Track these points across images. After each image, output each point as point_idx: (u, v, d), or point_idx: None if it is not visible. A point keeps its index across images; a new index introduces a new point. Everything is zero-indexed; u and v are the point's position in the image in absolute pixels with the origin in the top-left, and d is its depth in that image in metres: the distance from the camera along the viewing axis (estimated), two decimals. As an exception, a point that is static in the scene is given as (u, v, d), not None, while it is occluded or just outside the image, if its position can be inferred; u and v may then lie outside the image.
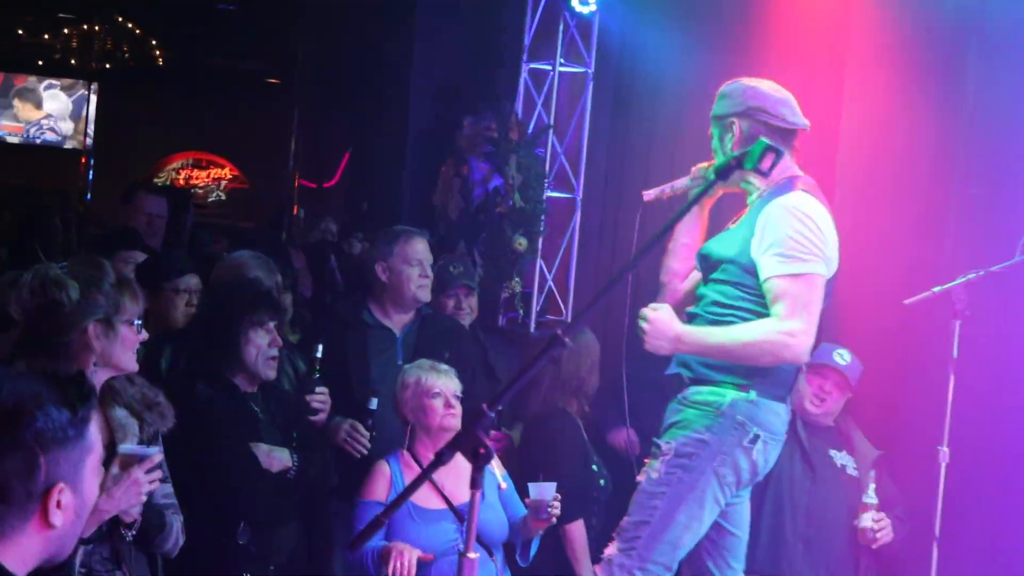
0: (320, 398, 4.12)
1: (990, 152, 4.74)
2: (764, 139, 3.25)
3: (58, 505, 1.79)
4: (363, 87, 10.12)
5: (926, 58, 4.91)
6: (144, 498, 2.96)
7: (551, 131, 6.21)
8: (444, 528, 3.79)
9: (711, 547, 3.65)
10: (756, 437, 3.43)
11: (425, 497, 3.81)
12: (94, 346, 2.96)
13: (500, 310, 6.07)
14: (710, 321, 3.49)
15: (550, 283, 6.19)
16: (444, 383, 3.98)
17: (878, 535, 4.29)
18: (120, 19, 12.57)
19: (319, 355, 4.12)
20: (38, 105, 15.07)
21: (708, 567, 3.66)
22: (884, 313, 4.67)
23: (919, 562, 4.27)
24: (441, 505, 3.82)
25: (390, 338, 4.54)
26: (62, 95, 15.08)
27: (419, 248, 4.58)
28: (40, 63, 14.46)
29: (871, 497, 4.31)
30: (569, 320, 5.99)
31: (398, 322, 4.58)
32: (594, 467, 4.76)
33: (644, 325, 3.42)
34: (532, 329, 5.98)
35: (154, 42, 13.12)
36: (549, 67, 6.31)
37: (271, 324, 3.83)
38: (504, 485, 4.01)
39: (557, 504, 3.88)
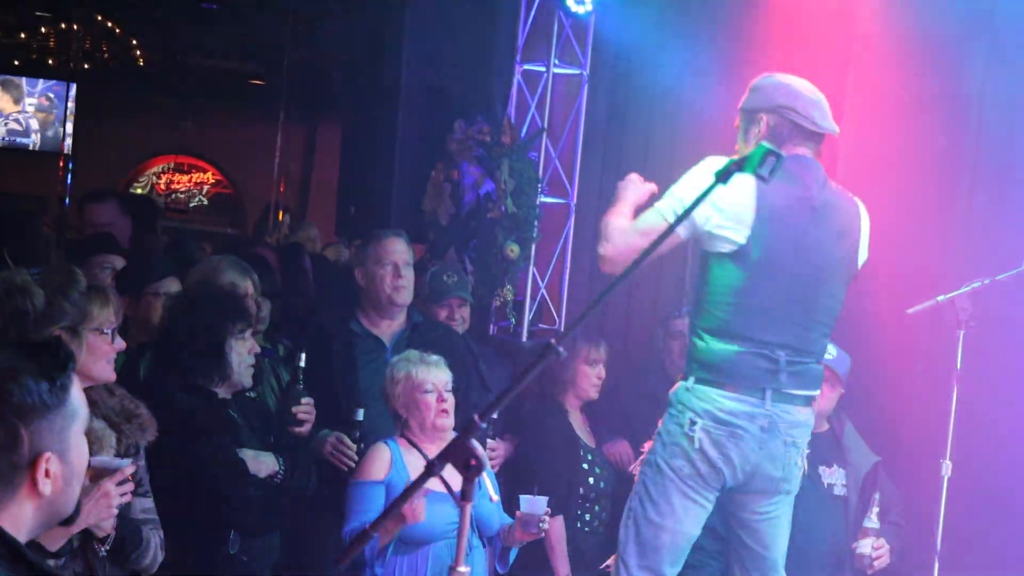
0: (305, 409, 4.07)
1: (997, 158, 4.71)
2: (765, 143, 3.15)
3: (47, 474, 1.84)
4: (351, 88, 9.99)
5: (932, 62, 4.88)
6: (115, 511, 2.93)
7: (545, 134, 6.09)
8: (445, 510, 3.74)
9: (736, 559, 3.68)
10: (692, 423, 3.44)
11: (425, 479, 3.84)
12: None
13: (491, 319, 5.97)
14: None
15: (543, 291, 6.09)
16: (435, 376, 3.96)
17: (876, 562, 4.23)
18: (99, 17, 12.37)
19: (302, 364, 4.08)
20: (17, 100, 14.88)
21: None
22: (887, 322, 4.62)
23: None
24: (441, 488, 3.78)
25: (379, 347, 4.49)
26: (38, 96, 14.92)
27: (391, 248, 4.46)
28: (16, 63, 14.25)
29: (872, 522, 4.24)
30: (562, 330, 5.90)
31: (387, 330, 4.52)
32: (584, 465, 4.76)
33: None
34: (524, 339, 5.88)
35: (134, 41, 12.94)
36: (543, 68, 6.19)
37: (248, 331, 3.85)
38: (496, 498, 3.96)
39: (547, 519, 3.89)
